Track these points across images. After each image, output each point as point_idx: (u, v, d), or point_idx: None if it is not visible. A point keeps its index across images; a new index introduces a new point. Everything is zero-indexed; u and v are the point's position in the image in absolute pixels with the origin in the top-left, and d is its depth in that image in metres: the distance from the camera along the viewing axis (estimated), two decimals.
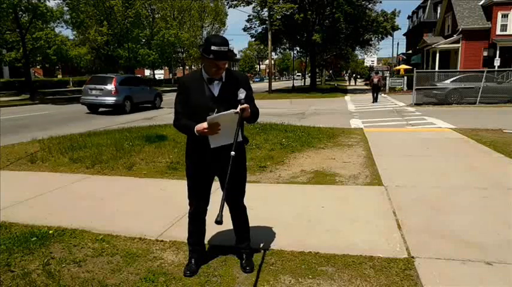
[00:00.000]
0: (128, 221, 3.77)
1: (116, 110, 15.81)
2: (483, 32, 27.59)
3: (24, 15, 24.40)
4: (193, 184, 2.75)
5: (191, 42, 43.20)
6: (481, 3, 28.63)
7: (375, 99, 20.26)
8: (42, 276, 2.75)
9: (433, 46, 29.78)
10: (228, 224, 2.97)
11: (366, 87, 37.47)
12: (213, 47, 2.43)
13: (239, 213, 2.90)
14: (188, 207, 2.85)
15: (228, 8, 32.23)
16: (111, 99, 15.65)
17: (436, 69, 26.87)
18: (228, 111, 2.47)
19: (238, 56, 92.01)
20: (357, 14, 28.78)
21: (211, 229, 3.06)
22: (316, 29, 29.89)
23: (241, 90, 2.55)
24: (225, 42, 2.47)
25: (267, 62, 48.33)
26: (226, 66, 2.59)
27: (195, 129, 2.49)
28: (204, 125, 2.45)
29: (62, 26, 41.72)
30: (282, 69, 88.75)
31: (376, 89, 20.48)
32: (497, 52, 26.54)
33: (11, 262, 2.96)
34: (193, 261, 2.85)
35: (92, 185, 5.17)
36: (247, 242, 2.94)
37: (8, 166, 6.21)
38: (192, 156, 2.71)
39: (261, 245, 3.19)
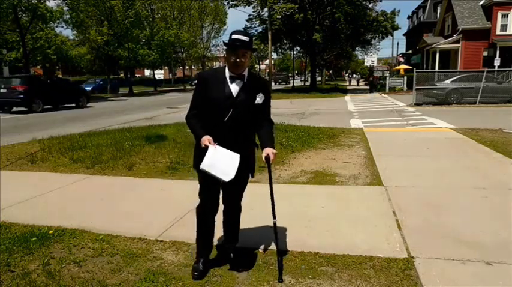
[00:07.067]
0: (128, 221, 3.77)
1: None
2: (483, 32, 27.54)
3: (24, 15, 24.42)
4: (202, 179, 2.66)
5: (191, 42, 43.18)
6: (481, 3, 28.59)
7: (370, 91, 29.51)
8: (42, 276, 2.75)
9: (433, 46, 29.76)
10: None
11: (366, 87, 38.39)
12: (233, 36, 2.43)
13: (234, 213, 2.90)
14: (193, 205, 2.82)
15: (228, 8, 32.28)
16: None
17: (436, 69, 26.83)
18: (233, 154, 2.46)
19: None
20: (357, 14, 28.80)
21: None
22: (316, 28, 29.91)
23: (260, 95, 2.54)
24: (246, 33, 2.48)
25: (267, 62, 48.31)
26: (247, 68, 2.55)
27: (201, 141, 2.47)
28: (206, 140, 2.44)
29: (62, 26, 41.80)
30: (282, 69, 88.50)
31: (372, 84, 31.47)
32: (497, 52, 26.48)
33: (11, 262, 2.96)
34: (201, 262, 2.77)
35: (92, 185, 5.17)
36: (235, 242, 2.96)
37: (8, 166, 6.20)
38: (199, 156, 2.57)
39: (261, 245, 3.19)
